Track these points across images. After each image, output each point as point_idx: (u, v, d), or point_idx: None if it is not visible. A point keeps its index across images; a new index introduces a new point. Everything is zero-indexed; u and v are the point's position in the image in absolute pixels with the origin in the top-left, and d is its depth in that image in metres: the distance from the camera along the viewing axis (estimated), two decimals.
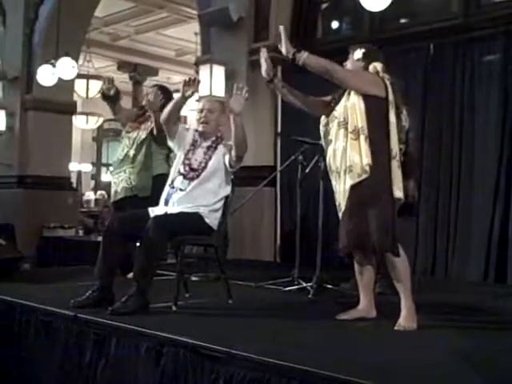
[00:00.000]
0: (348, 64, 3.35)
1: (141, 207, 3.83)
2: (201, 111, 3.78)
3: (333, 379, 2.20)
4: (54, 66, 7.46)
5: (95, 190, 14.79)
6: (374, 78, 3.20)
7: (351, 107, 3.13)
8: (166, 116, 3.75)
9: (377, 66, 3.24)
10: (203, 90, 6.55)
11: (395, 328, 3.00)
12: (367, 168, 3.04)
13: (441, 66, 5.52)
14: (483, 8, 5.57)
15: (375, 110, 3.11)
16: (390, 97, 3.16)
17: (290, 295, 4.14)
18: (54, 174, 8.86)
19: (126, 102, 12.98)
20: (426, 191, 5.38)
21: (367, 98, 3.11)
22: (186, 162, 3.70)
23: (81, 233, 8.76)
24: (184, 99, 3.71)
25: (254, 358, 2.43)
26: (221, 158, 3.70)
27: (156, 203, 3.75)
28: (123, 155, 4.77)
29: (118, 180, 4.74)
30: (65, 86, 8.24)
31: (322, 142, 3.36)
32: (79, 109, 10.38)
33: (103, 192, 13.23)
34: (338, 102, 3.24)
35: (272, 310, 3.67)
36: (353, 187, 3.09)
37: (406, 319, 3.04)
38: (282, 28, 3.28)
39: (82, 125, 11.61)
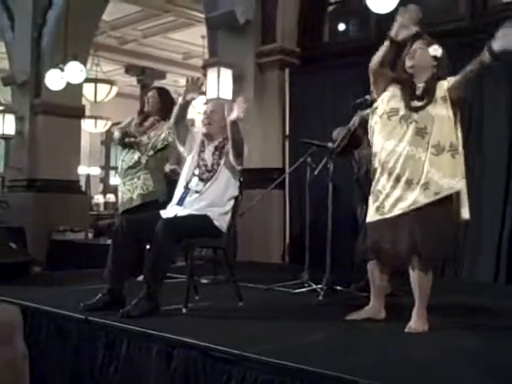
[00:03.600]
0: (419, 52, 3.09)
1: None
2: (205, 113, 3.81)
3: (343, 381, 2.21)
4: (62, 70, 7.49)
5: (104, 193, 14.83)
6: None
7: (439, 119, 2.97)
8: (173, 121, 3.80)
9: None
10: (211, 93, 6.58)
11: (406, 330, 3.00)
12: (457, 189, 2.97)
13: (448, 68, 5.49)
14: (489, 10, 5.56)
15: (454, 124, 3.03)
16: (458, 115, 3.07)
17: (299, 297, 4.14)
18: (63, 177, 8.90)
19: (133, 106, 13.07)
20: None
21: (454, 113, 3.00)
22: (202, 163, 3.72)
23: (90, 236, 8.79)
24: (187, 103, 3.73)
25: (264, 360, 2.44)
26: (227, 157, 3.72)
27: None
28: (133, 162, 4.77)
29: (132, 187, 4.70)
30: (73, 89, 8.29)
31: (377, 133, 3.13)
32: (87, 112, 10.42)
33: (112, 195, 13.29)
34: (422, 105, 3.02)
35: (282, 312, 3.68)
36: (426, 205, 2.95)
37: (417, 322, 3.03)
38: None
39: (91, 128, 11.67)
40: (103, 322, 3.19)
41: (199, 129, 3.88)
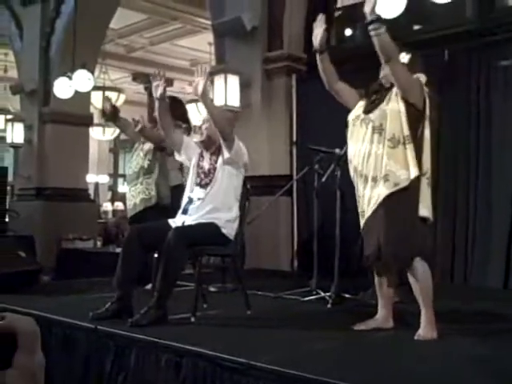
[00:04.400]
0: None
1: (162, 216, 3.86)
2: (202, 122, 3.82)
3: None
4: (70, 78, 7.51)
5: (112, 201, 14.87)
6: (421, 88, 3.11)
7: (392, 114, 3.06)
8: (159, 124, 3.83)
9: (421, 77, 3.15)
10: (218, 99, 6.59)
11: (415, 338, 2.98)
12: (412, 178, 2.99)
13: (456, 71, 5.50)
14: (497, 12, 5.55)
15: (414, 120, 3.06)
16: (427, 111, 3.10)
17: (308, 305, 4.13)
18: (72, 185, 8.92)
19: (141, 113, 13.12)
20: (444, 198, 5.35)
21: (407, 106, 3.05)
22: (200, 170, 3.74)
23: (99, 244, 8.81)
24: (159, 101, 3.71)
25: (272, 369, 2.43)
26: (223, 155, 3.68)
27: (175, 214, 3.78)
28: (138, 167, 4.79)
29: (136, 192, 4.74)
30: (81, 98, 8.30)
31: (348, 141, 3.27)
32: (96, 120, 10.44)
33: (120, 203, 13.32)
34: (375, 104, 3.14)
35: (291, 321, 3.67)
36: (387, 196, 3.02)
37: (425, 330, 3.01)
38: None
39: (99, 136, 11.68)
40: (112, 331, 3.20)
41: (195, 136, 3.89)
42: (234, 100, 6.53)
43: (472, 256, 5.25)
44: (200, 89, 3.48)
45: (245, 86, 6.58)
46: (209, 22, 7.95)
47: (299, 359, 2.60)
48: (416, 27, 6.29)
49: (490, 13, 5.54)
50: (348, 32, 7.14)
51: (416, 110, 3.06)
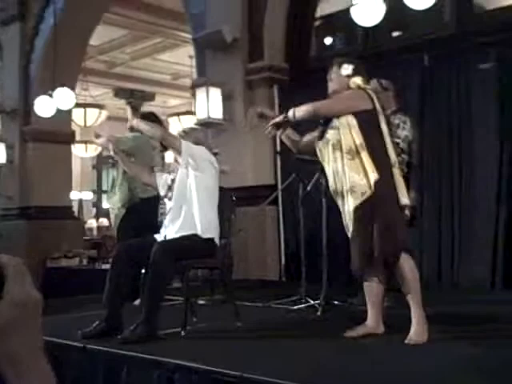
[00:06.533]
0: (333, 78, 3.35)
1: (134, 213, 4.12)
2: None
3: None
4: (51, 96, 7.48)
5: (97, 217, 14.77)
6: (357, 93, 3.24)
7: (343, 128, 3.15)
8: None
9: (356, 80, 3.27)
10: (200, 113, 6.58)
11: (406, 341, 2.98)
12: (372, 184, 3.05)
13: (436, 76, 5.54)
14: (476, 17, 5.62)
15: (367, 123, 3.15)
16: (377, 106, 3.21)
17: (298, 314, 4.12)
18: (56, 203, 8.86)
19: (123, 129, 13.07)
20: (428, 200, 5.38)
21: (357, 114, 3.14)
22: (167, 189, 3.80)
23: (84, 261, 8.72)
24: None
25: (266, 381, 2.41)
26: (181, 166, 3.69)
27: (146, 223, 3.99)
28: (112, 179, 4.95)
29: (112, 204, 4.88)
30: (63, 115, 8.26)
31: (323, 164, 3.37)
32: (78, 137, 10.40)
33: (105, 219, 13.23)
34: (327, 124, 3.25)
35: (281, 330, 3.65)
36: (357, 207, 3.10)
37: (416, 332, 3.01)
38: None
39: (81, 153, 11.60)
40: (101, 349, 3.15)
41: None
42: (217, 112, 6.53)
43: (459, 257, 5.27)
44: (134, 123, 4.05)
45: (227, 98, 6.59)
46: (189, 36, 7.96)
47: (292, 369, 2.58)
48: (396, 34, 6.34)
49: (469, 17, 5.59)
50: (328, 41, 7.19)
51: (368, 111, 3.16)
